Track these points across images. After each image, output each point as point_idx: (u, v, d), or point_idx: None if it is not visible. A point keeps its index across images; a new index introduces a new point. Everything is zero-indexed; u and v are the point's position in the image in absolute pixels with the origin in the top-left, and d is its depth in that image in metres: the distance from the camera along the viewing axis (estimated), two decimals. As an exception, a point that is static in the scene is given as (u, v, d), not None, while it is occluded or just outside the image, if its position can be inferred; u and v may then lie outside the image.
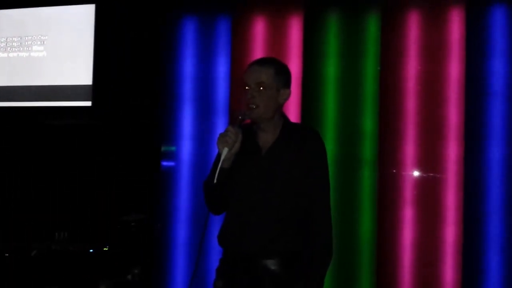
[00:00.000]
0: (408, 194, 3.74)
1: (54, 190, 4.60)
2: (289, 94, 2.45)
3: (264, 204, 2.36)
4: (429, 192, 3.71)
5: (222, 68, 4.11)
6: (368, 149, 3.80)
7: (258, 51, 4.01)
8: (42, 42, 4.56)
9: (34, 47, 4.59)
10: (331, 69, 3.88)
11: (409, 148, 3.74)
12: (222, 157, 2.30)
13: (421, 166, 3.74)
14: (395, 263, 3.74)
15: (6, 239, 4.43)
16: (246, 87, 2.39)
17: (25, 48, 4.60)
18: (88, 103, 4.41)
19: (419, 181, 3.73)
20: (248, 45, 4.03)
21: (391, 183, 3.76)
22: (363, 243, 3.79)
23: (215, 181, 2.30)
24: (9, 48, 4.64)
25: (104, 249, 4.22)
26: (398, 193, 3.75)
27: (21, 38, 4.61)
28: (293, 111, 3.91)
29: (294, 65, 3.92)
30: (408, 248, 3.73)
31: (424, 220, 3.71)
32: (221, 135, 2.32)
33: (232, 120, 2.45)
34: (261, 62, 2.43)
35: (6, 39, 4.64)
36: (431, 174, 3.72)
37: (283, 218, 2.36)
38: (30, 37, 4.60)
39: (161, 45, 4.22)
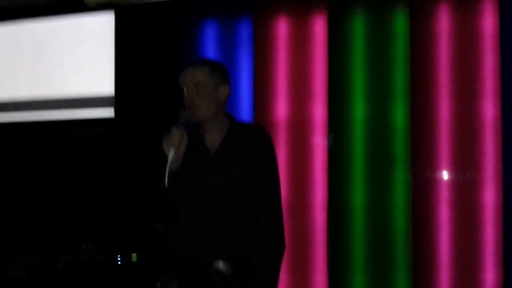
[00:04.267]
0: (444, 193, 3.46)
1: (80, 200, 4.41)
2: (229, 91, 2.37)
3: (215, 205, 2.28)
4: (466, 192, 3.42)
5: (244, 71, 3.87)
6: (400, 146, 3.53)
7: (281, 51, 3.76)
8: (62, 53, 4.36)
9: (54, 59, 4.39)
10: (358, 66, 3.60)
11: (443, 146, 3.45)
12: (169, 160, 2.19)
13: (456, 164, 3.44)
14: (432, 265, 3.45)
15: (33, 251, 4.24)
16: (184, 91, 2.32)
17: (45, 60, 4.40)
18: (111, 113, 4.20)
19: (455, 180, 3.44)
20: (270, 45, 3.78)
21: (425, 182, 3.48)
22: (398, 244, 3.51)
23: (166, 185, 2.18)
24: (30, 60, 4.43)
25: (132, 257, 4.01)
26: (433, 193, 3.46)
27: (41, 50, 4.42)
28: (320, 111, 3.66)
29: (319, 64, 3.67)
30: (445, 249, 3.44)
31: (461, 220, 3.42)
32: (166, 136, 2.22)
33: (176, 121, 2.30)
34: (195, 63, 2.37)
35: (26, 52, 4.45)
36: (468, 173, 3.42)
37: (234, 219, 2.29)
38: (51, 50, 4.40)
39: (183, 50, 3.99)
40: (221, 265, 2.27)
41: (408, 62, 3.52)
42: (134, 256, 4.02)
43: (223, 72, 2.38)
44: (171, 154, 2.19)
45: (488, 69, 3.39)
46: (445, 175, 3.45)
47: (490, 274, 3.37)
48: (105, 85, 4.25)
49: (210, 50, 3.96)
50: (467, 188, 3.42)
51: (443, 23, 3.47)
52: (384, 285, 3.53)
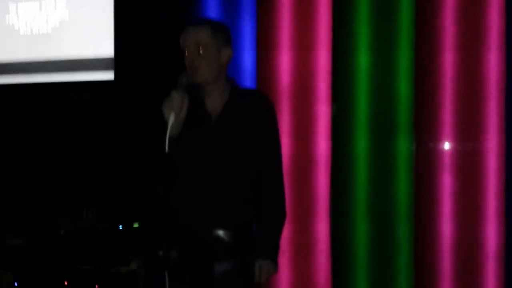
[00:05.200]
0: (447, 160, 3.32)
1: (81, 166, 4.30)
2: (231, 53, 2.27)
3: (216, 171, 2.22)
4: (469, 160, 3.29)
5: (247, 35, 3.67)
6: (403, 113, 3.38)
7: (285, 8, 3.53)
8: (61, 13, 4.18)
9: (53, 18, 4.20)
10: (363, 24, 3.40)
11: (447, 113, 3.30)
12: (170, 124, 2.10)
13: (459, 132, 3.30)
14: (434, 234, 3.33)
15: (33, 219, 4.15)
16: (185, 52, 2.22)
17: (43, 19, 4.22)
18: (111, 76, 4.05)
19: (458, 148, 3.30)
20: (274, 2, 3.56)
21: (428, 150, 3.34)
22: (400, 210, 3.39)
23: (166, 150, 2.09)
24: (27, 20, 4.26)
25: (134, 225, 3.92)
26: (436, 160, 3.33)
27: (40, 5, 4.23)
28: (322, 73, 3.48)
29: (324, 27, 3.48)
30: (447, 218, 3.31)
31: (463, 189, 3.28)
32: (166, 100, 2.13)
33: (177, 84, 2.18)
34: (197, 22, 2.27)
35: (24, 4, 4.27)
36: (470, 142, 3.28)
37: (234, 185, 2.23)
38: (49, 7, 4.21)
39: (185, 7, 3.80)
40: (220, 233, 2.22)
41: (414, 20, 3.35)
42: (135, 224, 3.93)
43: (226, 33, 2.27)
44: (171, 119, 2.10)
45: (494, 28, 3.21)
46: (448, 144, 3.32)
47: (492, 240, 3.25)
48: (106, 47, 4.08)
49: (212, 10, 3.76)
50: (470, 156, 3.29)
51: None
52: (386, 251, 3.43)
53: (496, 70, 3.23)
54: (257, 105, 2.28)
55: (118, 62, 4.07)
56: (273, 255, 2.27)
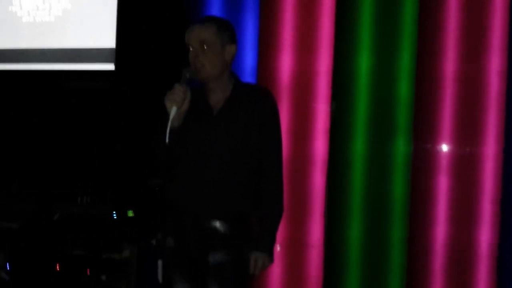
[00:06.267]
0: (444, 163, 3.33)
1: (77, 154, 4.29)
2: (235, 50, 2.29)
3: (217, 163, 2.24)
4: (466, 163, 3.30)
5: (250, 30, 3.69)
6: (402, 115, 3.40)
7: (288, 6, 3.56)
8: (63, 3, 4.19)
9: (55, 8, 4.20)
10: (365, 26, 3.43)
11: (446, 117, 3.32)
12: (171, 116, 2.13)
13: (458, 135, 3.32)
14: (428, 236, 3.35)
15: (28, 203, 4.12)
16: (190, 48, 2.24)
17: (46, 8, 4.22)
18: (111, 67, 4.07)
19: (456, 150, 3.32)
20: (277, 1, 3.59)
21: (426, 152, 3.36)
22: (395, 209, 3.41)
23: (166, 141, 2.12)
24: (28, 10, 4.26)
25: (128, 213, 3.91)
26: (433, 162, 3.34)
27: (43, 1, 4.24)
28: (323, 73, 3.51)
29: (326, 23, 3.51)
30: (442, 221, 3.33)
31: (459, 193, 3.30)
32: (169, 93, 2.15)
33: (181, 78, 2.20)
34: (202, 20, 2.28)
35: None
36: (468, 146, 3.30)
37: (234, 178, 2.25)
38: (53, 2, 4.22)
39: (187, 3, 3.81)
40: (217, 223, 2.23)
41: (416, 24, 3.37)
42: (130, 212, 3.92)
43: (230, 31, 2.29)
44: (173, 111, 2.12)
45: (496, 28, 3.23)
46: (446, 146, 3.34)
47: (485, 243, 3.28)
48: (107, 39, 4.09)
49: (215, 7, 3.78)
50: (467, 159, 3.31)
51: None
52: (379, 251, 3.44)
53: (497, 75, 3.25)
54: (258, 99, 2.30)
55: (119, 53, 4.08)
56: (269, 248, 2.28)
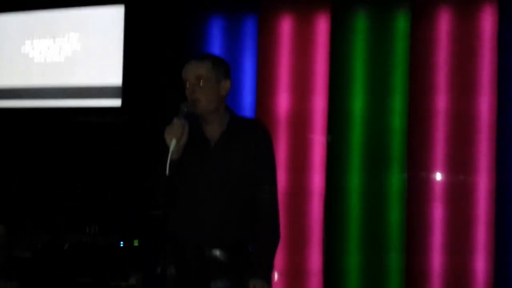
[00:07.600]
0: (438, 193, 3.41)
1: (86, 186, 4.39)
2: (230, 85, 2.35)
3: (215, 194, 2.28)
4: (460, 192, 3.38)
5: (248, 66, 3.84)
6: (396, 146, 3.49)
7: (285, 49, 3.73)
8: (73, 43, 4.35)
9: (66, 48, 4.38)
10: (358, 67, 3.57)
11: (439, 147, 3.41)
12: (171, 149, 2.18)
13: (451, 165, 3.40)
14: (424, 264, 3.41)
15: (39, 233, 4.24)
16: (187, 84, 2.29)
17: (57, 49, 4.40)
18: (118, 103, 4.21)
19: (449, 181, 3.40)
20: (274, 43, 3.74)
21: (420, 182, 3.44)
22: (392, 240, 3.48)
23: (167, 173, 2.18)
24: (41, 49, 4.44)
25: (135, 243, 4.01)
26: (427, 192, 3.42)
27: (54, 40, 4.41)
28: (320, 108, 3.64)
29: (321, 63, 3.64)
30: (438, 247, 3.40)
31: (454, 220, 3.37)
32: (168, 127, 2.20)
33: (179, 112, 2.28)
34: (199, 57, 2.34)
35: (39, 40, 4.45)
36: (462, 174, 3.37)
37: (231, 208, 2.29)
38: (62, 39, 4.40)
39: (189, 44, 3.97)
40: (217, 252, 2.28)
41: (408, 63, 3.49)
42: (136, 241, 4.02)
43: (225, 67, 2.36)
44: (172, 144, 2.18)
45: (485, 71, 3.34)
46: (439, 175, 3.42)
47: (480, 271, 3.33)
48: (114, 77, 4.24)
49: (216, 45, 3.93)
50: (460, 188, 3.38)
51: (443, 25, 3.43)
52: (377, 279, 3.51)
53: (488, 108, 3.34)
54: (254, 131, 2.34)
55: (125, 90, 4.21)
56: (266, 275, 2.31)
